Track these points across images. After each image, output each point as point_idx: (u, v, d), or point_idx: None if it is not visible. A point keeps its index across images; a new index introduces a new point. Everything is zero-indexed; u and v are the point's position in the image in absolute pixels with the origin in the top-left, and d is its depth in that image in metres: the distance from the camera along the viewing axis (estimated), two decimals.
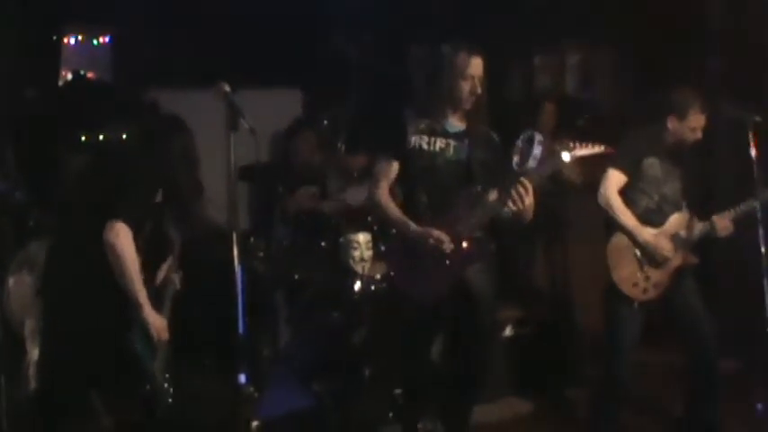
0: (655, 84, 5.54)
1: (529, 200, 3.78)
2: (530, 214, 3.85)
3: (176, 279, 4.28)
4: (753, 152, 4.33)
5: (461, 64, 4.01)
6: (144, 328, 3.80)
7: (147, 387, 3.85)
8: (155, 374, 3.89)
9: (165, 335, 3.88)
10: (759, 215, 4.33)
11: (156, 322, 3.82)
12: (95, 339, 3.70)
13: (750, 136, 4.34)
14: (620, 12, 6.41)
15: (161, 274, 4.23)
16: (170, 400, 4.00)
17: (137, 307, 3.73)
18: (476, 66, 4.02)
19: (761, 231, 4.33)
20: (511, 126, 4.47)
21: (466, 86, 4.02)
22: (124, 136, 4.01)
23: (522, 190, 3.76)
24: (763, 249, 4.30)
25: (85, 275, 3.73)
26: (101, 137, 5.24)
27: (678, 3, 6.01)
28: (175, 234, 4.36)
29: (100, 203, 3.73)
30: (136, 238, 3.70)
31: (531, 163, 3.97)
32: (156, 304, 3.88)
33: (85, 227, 3.77)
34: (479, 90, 4.03)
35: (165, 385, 4.00)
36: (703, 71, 5.80)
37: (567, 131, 5.62)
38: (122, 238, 3.62)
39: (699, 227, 4.45)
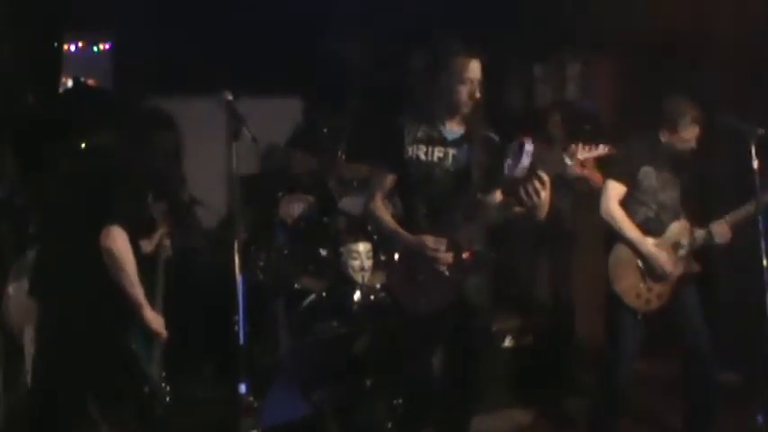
0: (654, 94, 5.53)
1: (544, 194, 3.62)
2: (544, 210, 3.73)
3: (168, 245, 4.32)
4: (755, 165, 4.31)
5: (459, 67, 3.89)
6: (142, 328, 3.80)
7: (146, 389, 3.85)
8: (152, 375, 3.89)
9: (163, 333, 3.88)
10: (761, 227, 4.30)
11: (155, 321, 3.83)
12: (93, 341, 3.70)
13: (752, 149, 4.32)
14: (621, 22, 6.41)
15: (153, 242, 4.25)
16: (168, 399, 4.01)
17: (136, 307, 3.74)
18: (474, 69, 3.89)
19: (763, 244, 4.31)
20: (512, 136, 4.44)
21: (464, 90, 3.90)
22: (113, 138, 3.99)
23: (538, 184, 3.61)
24: (764, 262, 4.26)
25: (79, 278, 3.72)
26: (97, 141, 5.23)
27: (679, 12, 6.01)
28: (157, 212, 4.35)
29: (91, 207, 3.73)
30: (131, 239, 3.71)
31: (519, 171, 3.88)
32: (150, 274, 3.91)
33: (77, 230, 3.75)
34: (478, 94, 3.91)
35: (163, 385, 4.00)
36: (704, 83, 5.79)
37: (577, 137, 5.59)
38: (119, 242, 3.63)
39: (699, 234, 4.45)
